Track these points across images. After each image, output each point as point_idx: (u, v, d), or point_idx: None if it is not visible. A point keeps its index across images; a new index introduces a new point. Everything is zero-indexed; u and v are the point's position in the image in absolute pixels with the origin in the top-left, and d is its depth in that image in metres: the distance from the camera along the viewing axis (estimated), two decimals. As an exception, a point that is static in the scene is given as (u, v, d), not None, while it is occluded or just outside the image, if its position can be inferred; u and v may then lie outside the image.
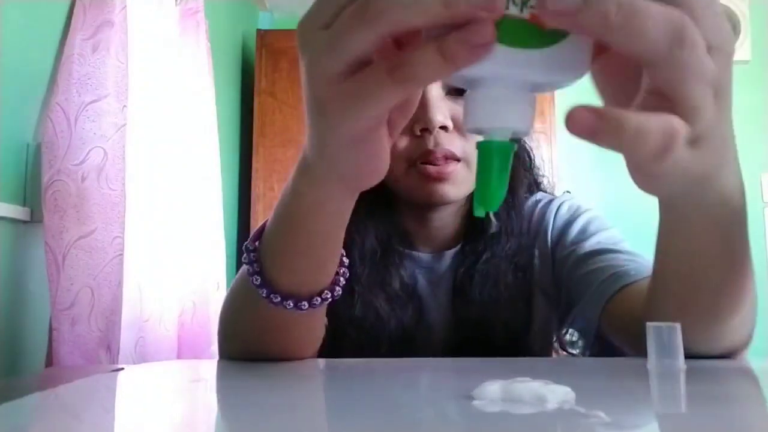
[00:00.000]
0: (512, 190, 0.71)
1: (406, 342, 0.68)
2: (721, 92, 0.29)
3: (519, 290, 0.70)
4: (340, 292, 0.48)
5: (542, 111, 2.07)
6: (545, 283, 0.71)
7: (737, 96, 0.31)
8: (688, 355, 0.40)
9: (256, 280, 0.46)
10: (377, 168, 0.38)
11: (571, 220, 0.71)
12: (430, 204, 0.69)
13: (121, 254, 1.24)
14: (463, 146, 0.65)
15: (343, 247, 0.68)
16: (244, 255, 0.47)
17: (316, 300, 0.46)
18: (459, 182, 0.65)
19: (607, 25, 0.25)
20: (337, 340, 0.68)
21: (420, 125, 0.63)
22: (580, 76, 0.29)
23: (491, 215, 0.70)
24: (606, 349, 0.61)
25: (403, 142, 0.65)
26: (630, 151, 0.27)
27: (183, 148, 1.69)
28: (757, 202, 2.56)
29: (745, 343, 0.49)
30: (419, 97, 0.40)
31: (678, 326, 0.39)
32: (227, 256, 1.96)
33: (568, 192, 0.79)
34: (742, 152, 0.37)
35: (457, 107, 0.65)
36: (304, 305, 0.46)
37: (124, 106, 1.28)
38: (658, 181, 0.33)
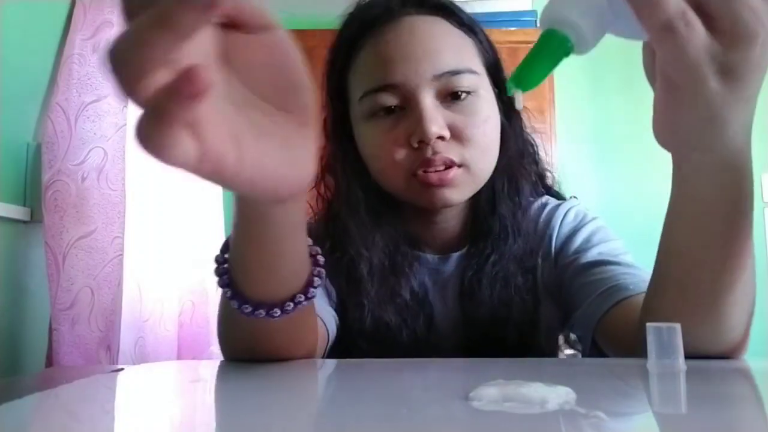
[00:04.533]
0: (517, 188, 0.71)
1: (417, 350, 0.68)
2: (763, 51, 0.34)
3: (528, 290, 0.69)
4: (315, 294, 0.47)
5: (542, 111, 2.06)
6: (549, 285, 0.71)
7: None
8: (688, 355, 0.40)
9: (227, 293, 0.45)
10: (280, 177, 0.32)
11: (577, 229, 0.70)
12: (434, 209, 0.69)
13: (121, 254, 1.24)
14: (462, 152, 0.64)
15: (351, 261, 0.68)
16: (215, 267, 0.46)
17: (289, 305, 0.45)
18: (460, 186, 0.65)
19: None
20: (348, 353, 0.67)
21: (417, 137, 0.62)
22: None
23: (497, 215, 0.70)
24: (603, 356, 0.61)
25: (402, 154, 0.64)
26: (643, 14, 0.33)
27: (183, 148, 1.69)
28: (757, 202, 2.55)
29: (742, 338, 0.49)
30: None
31: (678, 326, 0.39)
32: (227, 256, 1.95)
33: (575, 197, 0.78)
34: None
35: (452, 115, 0.63)
36: (276, 312, 0.44)
37: (124, 106, 1.28)
38: (679, 123, 0.38)
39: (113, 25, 1.28)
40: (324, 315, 0.65)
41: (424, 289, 0.72)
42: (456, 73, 0.63)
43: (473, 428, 0.29)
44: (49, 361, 1.16)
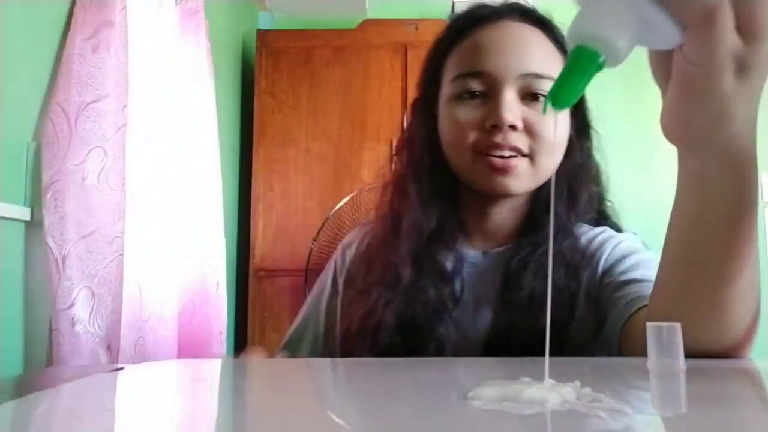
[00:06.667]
0: (575, 196, 0.74)
1: (444, 342, 0.69)
2: None
3: (566, 290, 0.70)
4: None
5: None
6: (590, 299, 0.71)
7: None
8: (689, 353, 0.40)
9: None
10: None
11: (627, 254, 0.71)
12: (493, 195, 0.72)
13: (121, 254, 1.24)
14: (530, 145, 0.68)
15: (398, 220, 0.73)
16: None
17: None
18: (522, 176, 0.68)
19: None
20: (381, 352, 0.68)
21: (491, 121, 0.67)
22: (677, 41, 0.36)
23: (552, 215, 0.70)
24: None
25: (473, 136, 0.69)
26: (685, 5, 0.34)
27: (183, 149, 1.69)
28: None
29: (744, 337, 0.49)
30: None
31: (678, 326, 0.39)
32: (227, 256, 1.96)
33: (634, 233, 0.79)
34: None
35: (529, 111, 0.68)
36: None
37: (124, 106, 1.28)
38: (691, 119, 0.39)
39: (113, 25, 1.28)
40: None
41: (460, 279, 0.73)
42: (540, 76, 0.68)
43: (473, 428, 0.29)
44: (50, 361, 1.16)
